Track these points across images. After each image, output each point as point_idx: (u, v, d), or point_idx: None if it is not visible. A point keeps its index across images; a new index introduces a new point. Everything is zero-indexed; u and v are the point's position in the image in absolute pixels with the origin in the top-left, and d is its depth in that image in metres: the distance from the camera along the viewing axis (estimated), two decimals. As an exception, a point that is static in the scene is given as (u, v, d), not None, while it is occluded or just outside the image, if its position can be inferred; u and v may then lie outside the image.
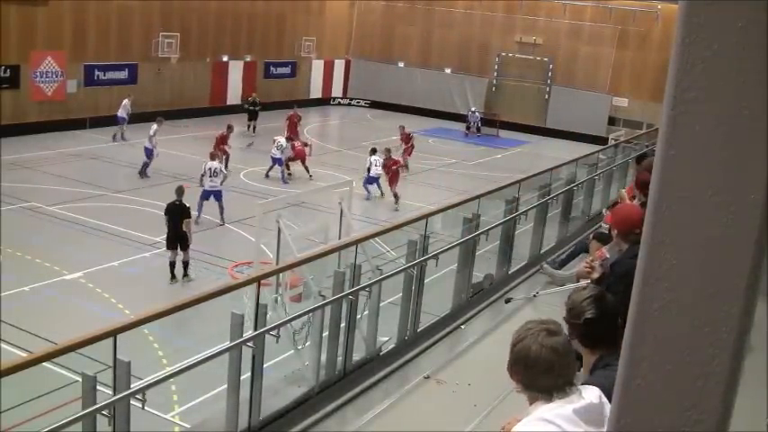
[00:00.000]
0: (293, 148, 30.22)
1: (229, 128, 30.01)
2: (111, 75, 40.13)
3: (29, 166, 28.46)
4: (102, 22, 38.92)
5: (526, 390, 3.41)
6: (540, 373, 3.35)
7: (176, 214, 18.65)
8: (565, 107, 47.16)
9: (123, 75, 40.75)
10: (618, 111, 46.77)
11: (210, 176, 23.35)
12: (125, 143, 34.99)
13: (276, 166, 29.81)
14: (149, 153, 28.72)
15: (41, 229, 21.04)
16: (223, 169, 24.35)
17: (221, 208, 23.34)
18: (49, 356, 6.30)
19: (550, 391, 3.35)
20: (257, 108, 39.80)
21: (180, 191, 19.18)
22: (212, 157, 24.21)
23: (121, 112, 36.23)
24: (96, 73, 39.34)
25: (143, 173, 28.60)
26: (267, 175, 29.88)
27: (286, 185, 28.64)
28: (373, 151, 28.60)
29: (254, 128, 39.20)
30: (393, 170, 27.87)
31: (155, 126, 28.94)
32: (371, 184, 28.04)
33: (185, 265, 18.74)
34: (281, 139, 30.28)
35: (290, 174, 30.20)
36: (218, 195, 23.42)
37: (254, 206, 16.86)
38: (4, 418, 11.00)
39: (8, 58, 35.24)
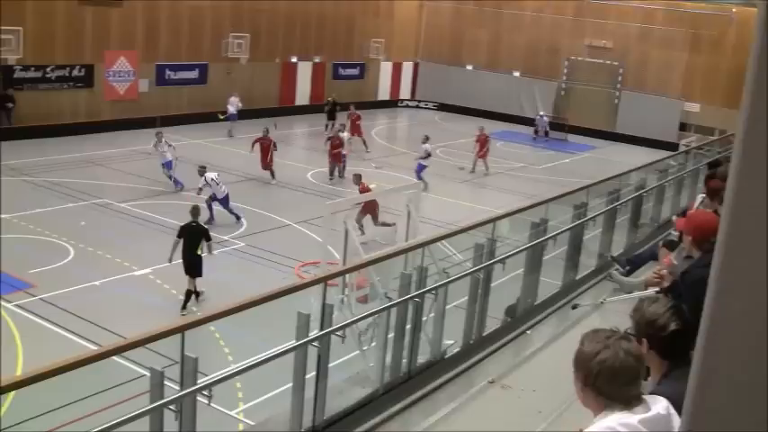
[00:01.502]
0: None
1: (267, 132, 29.84)
2: (181, 75, 40.74)
3: (101, 163, 29.01)
4: (173, 22, 39.52)
5: (599, 399, 3.36)
6: (624, 382, 3.30)
7: (194, 237, 17.19)
8: (635, 112, 46.50)
9: (194, 75, 41.33)
10: (689, 116, 46.00)
11: (218, 184, 23.24)
12: (231, 139, 35.90)
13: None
14: (169, 164, 27.50)
15: (112, 226, 21.41)
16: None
17: (229, 211, 23.38)
18: (118, 350, 6.40)
19: (630, 401, 3.31)
20: (336, 109, 40.46)
21: (196, 211, 17.76)
22: (201, 173, 23.51)
23: (231, 109, 37.17)
24: (167, 73, 39.98)
25: (176, 183, 27.30)
26: (331, 176, 30.04)
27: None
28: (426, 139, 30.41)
29: (331, 126, 39.67)
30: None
31: (155, 141, 27.77)
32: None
33: (188, 294, 16.90)
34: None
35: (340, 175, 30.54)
36: (224, 201, 23.38)
37: (321, 206, 16.96)
38: (74, 409, 11.22)
39: (83, 58, 36.03)
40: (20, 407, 10.39)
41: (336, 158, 30.08)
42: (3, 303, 16.37)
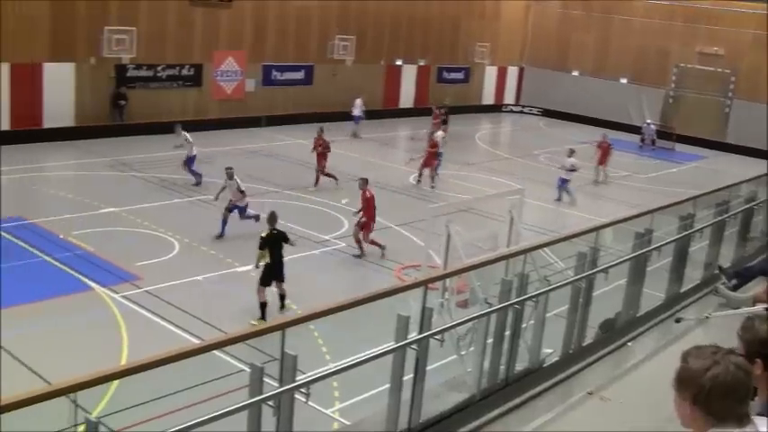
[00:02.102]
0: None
1: (322, 133, 29.34)
2: (287, 75, 41.32)
3: (207, 161, 29.53)
4: (281, 23, 40.11)
5: (708, 419, 3.24)
6: (737, 399, 3.18)
7: (277, 243, 16.64)
8: (746, 122, 45.09)
9: (299, 75, 41.85)
10: (804, 127, 44.50)
11: (243, 192, 21.92)
12: (359, 140, 36.45)
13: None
14: (191, 161, 27.57)
15: (216, 223, 21.77)
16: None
17: (248, 217, 21.87)
18: (219, 345, 6.51)
19: (741, 419, 3.20)
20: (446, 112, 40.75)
21: (274, 218, 16.98)
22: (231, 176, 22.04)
23: (356, 112, 37.92)
24: (274, 73, 40.62)
25: (197, 179, 27.40)
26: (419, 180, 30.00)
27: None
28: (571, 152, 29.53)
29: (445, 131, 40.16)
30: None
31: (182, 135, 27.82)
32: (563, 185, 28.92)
33: (282, 297, 16.81)
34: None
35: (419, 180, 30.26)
36: (242, 210, 22.00)
37: (423, 209, 16.93)
38: (174, 399, 11.46)
39: (192, 58, 36.89)
40: (122, 395, 10.65)
41: (430, 161, 29.88)
42: (110, 294, 16.85)
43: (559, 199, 28.90)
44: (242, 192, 21.86)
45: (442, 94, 46.72)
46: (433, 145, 29.85)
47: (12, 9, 30.60)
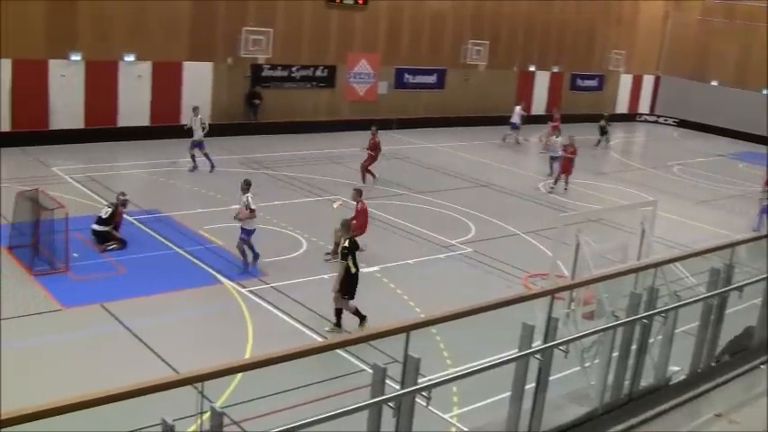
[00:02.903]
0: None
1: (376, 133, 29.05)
2: (420, 79, 41.46)
3: (337, 161, 29.97)
4: (415, 26, 40.27)
5: None
6: None
7: (353, 253, 15.64)
8: None
9: (431, 79, 41.94)
10: None
11: (253, 210, 18.36)
12: (519, 146, 36.66)
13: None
14: (201, 145, 27.81)
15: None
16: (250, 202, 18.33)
17: (249, 248, 18.66)
18: (342, 344, 6.56)
19: None
20: (607, 125, 41.06)
21: (348, 226, 16.37)
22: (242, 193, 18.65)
23: (514, 119, 38.46)
24: (406, 76, 40.80)
25: (195, 163, 27.82)
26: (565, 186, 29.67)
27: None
28: None
29: (607, 141, 40.90)
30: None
31: (192, 117, 28.22)
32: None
33: (340, 313, 15.68)
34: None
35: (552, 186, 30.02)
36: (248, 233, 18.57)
37: (552, 217, 16.70)
38: (296, 394, 11.63)
39: (326, 59, 37.40)
40: (245, 387, 10.85)
41: (567, 167, 29.57)
42: (238, 288, 17.22)
43: (757, 229, 26.38)
44: (251, 210, 18.47)
45: (575, 101, 46.08)
46: (573, 151, 29.51)
47: (154, 9, 31.67)
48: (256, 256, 18.58)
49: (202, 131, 27.71)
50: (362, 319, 15.62)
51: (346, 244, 15.57)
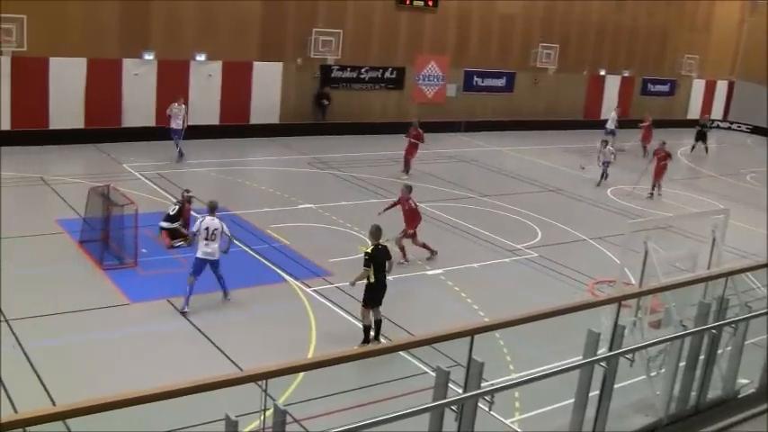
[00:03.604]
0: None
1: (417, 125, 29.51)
2: (488, 82, 41.33)
3: (398, 160, 29.88)
4: (484, 29, 40.12)
5: None
6: None
7: (381, 261, 14.83)
8: None
9: (500, 83, 41.76)
10: None
11: (207, 239, 15.82)
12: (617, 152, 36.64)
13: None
14: (177, 133, 28.49)
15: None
16: (226, 230, 16.09)
17: (219, 278, 16.24)
18: (405, 346, 6.55)
19: None
20: (707, 129, 41.08)
21: (378, 233, 15.08)
22: (212, 211, 16.21)
23: (610, 124, 38.45)
24: (475, 79, 40.71)
25: (180, 154, 28.49)
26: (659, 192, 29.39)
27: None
28: None
29: (706, 149, 40.91)
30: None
31: (176, 105, 28.56)
32: None
33: (378, 324, 14.88)
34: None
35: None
36: (214, 264, 16.10)
37: (620, 224, 16.47)
38: (358, 394, 11.65)
39: (395, 61, 37.48)
40: (307, 386, 10.90)
41: (660, 172, 29.29)
42: (303, 287, 17.32)
43: None
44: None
45: (646, 106, 45.42)
46: (663, 156, 29.16)
47: (224, 9, 32.03)
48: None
49: (182, 122, 28.35)
50: (366, 340, 14.73)
51: (369, 250, 14.81)
